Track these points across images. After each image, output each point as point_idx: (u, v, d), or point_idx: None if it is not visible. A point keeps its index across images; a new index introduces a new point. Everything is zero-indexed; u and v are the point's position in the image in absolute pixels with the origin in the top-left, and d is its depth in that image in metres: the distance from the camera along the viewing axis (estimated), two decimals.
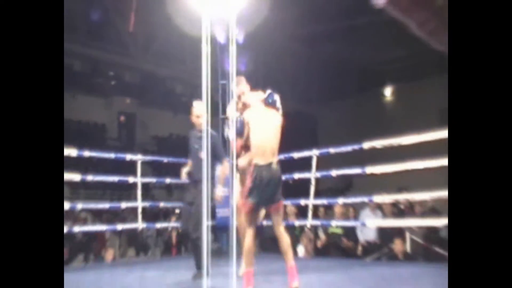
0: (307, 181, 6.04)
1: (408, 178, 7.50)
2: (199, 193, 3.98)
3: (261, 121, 3.60)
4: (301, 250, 6.45)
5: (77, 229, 6.03)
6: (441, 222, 5.41)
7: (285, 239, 3.54)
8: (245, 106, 3.86)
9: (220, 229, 6.43)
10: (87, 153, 5.57)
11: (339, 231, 6.39)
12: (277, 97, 3.79)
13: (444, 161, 4.94)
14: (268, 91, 3.83)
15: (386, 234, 6.27)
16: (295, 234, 6.68)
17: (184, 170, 4.22)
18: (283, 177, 6.30)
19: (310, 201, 5.96)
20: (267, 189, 3.43)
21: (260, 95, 3.84)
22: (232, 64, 3.58)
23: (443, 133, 5.00)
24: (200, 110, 4.14)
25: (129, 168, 6.61)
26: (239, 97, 4.09)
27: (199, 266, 4.00)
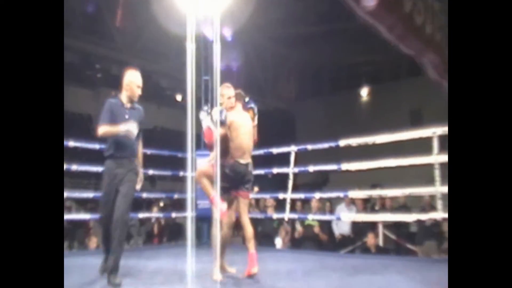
0: (286, 175, 6.05)
1: (381, 175, 7.59)
2: (128, 172, 3.50)
3: (243, 125, 3.78)
4: (279, 242, 6.46)
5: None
6: (411, 217, 5.49)
7: (250, 228, 3.72)
8: (230, 109, 3.86)
9: (201, 220, 6.39)
10: (72, 143, 5.49)
11: (314, 223, 6.42)
12: (255, 104, 3.96)
13: (414, 160, 5.00)
14: (247, 98, 3.94)
15: (360, 228, 6.33)
16: (273, 226, 6.69)
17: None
18: (263, 172, 6.36)
19: (288, 195, 5.98)
20: (236, 179, 3.66)
21: (240, 99, 3.91)
22: (216, 61, 3.55)
23: (415, 133, 5.07)
24: (140, 80, 3.66)
25: None
26: (228, 99, 3.93)
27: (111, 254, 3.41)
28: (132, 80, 3.66)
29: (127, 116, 3.56)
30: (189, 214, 2.76)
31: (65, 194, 5.77)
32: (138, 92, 3.66)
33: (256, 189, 6.85)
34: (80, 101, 15.92)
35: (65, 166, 5.41)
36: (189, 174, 2.69)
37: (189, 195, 2.79)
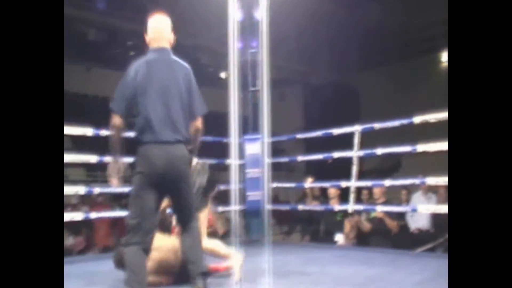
0: (349, 160, 5.96)
1: None
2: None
3: None
4: (340, 238, 6.39)
5: (94, 215, 6.15)
6: None
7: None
8: None
9: (251, 214, 6.44)
10: (104, 132, 5.63)
11: (380, 215, 6.28)
12: None
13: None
14: None
15: (442, 221, 6.13)
16: (336, 219, 6.63)
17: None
18: (321, 156, 6.30)
19: (352, 183, 5.88)
20: None
21: None
22: (262, 30, 3.52)
23: None
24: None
25: None
26: None
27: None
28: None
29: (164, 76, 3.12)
30: (235, 207, 2.78)
31: (98, 190, 5.98)
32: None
33: (310, 179, 6.80)
34: (110, 84, 16.41)
35: (96, 158, 5.61)
36: (233, 161, 2.69)
37: (234, 186, 2.80)
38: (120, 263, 3.33)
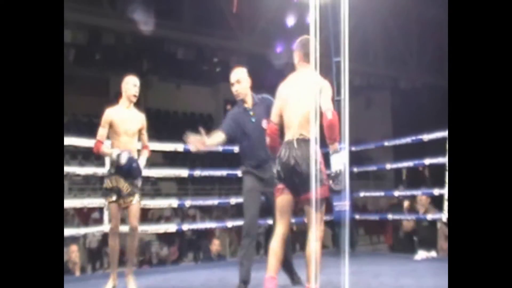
0: (441, 167, 5.72)
1: None
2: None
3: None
4: (421, 255, 5.84)
5: (186, 226, 6.42)
6: None
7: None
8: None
9: (338, 225, 6.37)
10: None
11: None
12: None
13: None
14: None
15: None
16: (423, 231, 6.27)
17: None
18: (412, 163, 6.09)
19: (446, 191, 5.64)
20: (294, 171, 3.07)
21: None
22: (344, 34, 3.48)
23: None
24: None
25: (238, 160, 6.75)
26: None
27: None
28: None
29: (253, 120, 4.02)
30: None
31: (189, 202, 6.26)
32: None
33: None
34: (199, 100, 17.05)
35: (187, 172, 5.87)
36: (313, 170, 2.71)
37: (314, 195, 2.81)
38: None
